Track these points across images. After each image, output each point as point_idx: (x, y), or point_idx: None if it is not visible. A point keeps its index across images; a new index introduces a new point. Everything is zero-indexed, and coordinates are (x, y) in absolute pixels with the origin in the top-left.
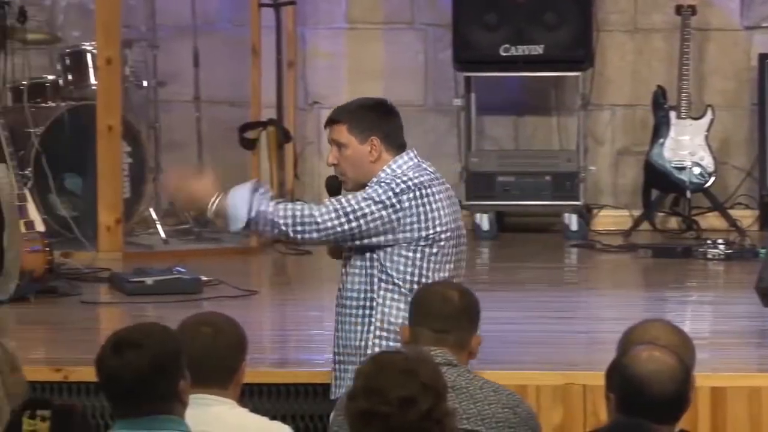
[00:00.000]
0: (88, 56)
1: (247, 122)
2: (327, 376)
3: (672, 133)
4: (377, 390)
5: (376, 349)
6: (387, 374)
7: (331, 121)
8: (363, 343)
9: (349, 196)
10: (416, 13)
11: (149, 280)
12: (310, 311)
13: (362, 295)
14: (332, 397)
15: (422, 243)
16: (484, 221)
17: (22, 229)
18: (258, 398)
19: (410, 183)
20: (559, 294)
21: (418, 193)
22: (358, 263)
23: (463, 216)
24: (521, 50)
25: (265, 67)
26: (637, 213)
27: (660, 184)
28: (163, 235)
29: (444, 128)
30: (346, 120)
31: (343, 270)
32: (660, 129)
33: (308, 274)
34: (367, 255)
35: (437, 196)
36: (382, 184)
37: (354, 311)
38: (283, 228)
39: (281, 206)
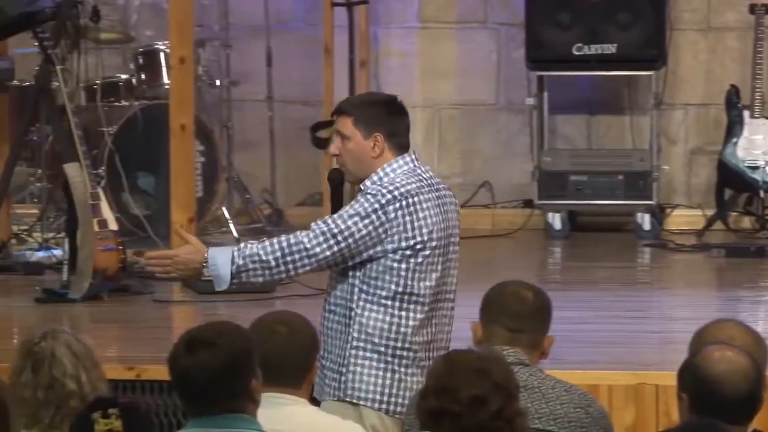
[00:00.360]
0: (161, 55)
1: (320, 121)
2: None
3: (745, 132)
4: (448, 389)
5: (352, 360)
6: (458, 373)
7: (338, 112)
8: (344, 353)
9: (335, 216)
10: (489, 12)
11: None
12: None
13: (345, 303)
14: (314, 395)
15: (408, 252)
16: (556, 220)
17: (95, 228)
18: None
19: (396, 192)
20: (632, 294)
21: (404, 203)
22: (342, 273)
23: (535, 215)
24: (594, 49)
25: (337, 67)
26: (710, 212)
27: (733, 184)
28: (235, 233)
29: (516, 127)
30: (353, 113)
31: (330, 276)
32: (733, 128)
33: None
34: (350, 265)
35: (425, 204)
36: (368, 196)
37: (339, 319)
38: (273, 263)
39: (266, 242)
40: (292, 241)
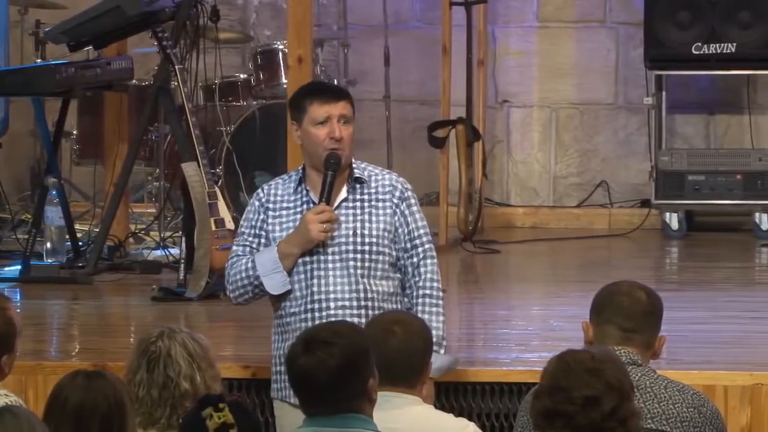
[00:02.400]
0: (280, 55)
1: (437, 121)
2: (513, 375)
3: None
4: (562, 389)
5: None
6: (572, 373)
7: (345, 96)
8: None
9: (424, 226)
10: (608, 11)
11: None
12: (499, 310)
13: (393, 300)
14: None
15: None
16: (673, 220)
17: (212, 227)
18: (445, 397)
19: None
20: (750, 294)
21: None
22: (392, 272)
23: (652, 215)
24: (713, 48)
25: (455, 66)
26: None
27: None
28: None
29: (634, 127)
30: (350, 98)
31: (373, 273)
32: None
33: (496, 272)
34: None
35: None
36: (412, 192)
37: None
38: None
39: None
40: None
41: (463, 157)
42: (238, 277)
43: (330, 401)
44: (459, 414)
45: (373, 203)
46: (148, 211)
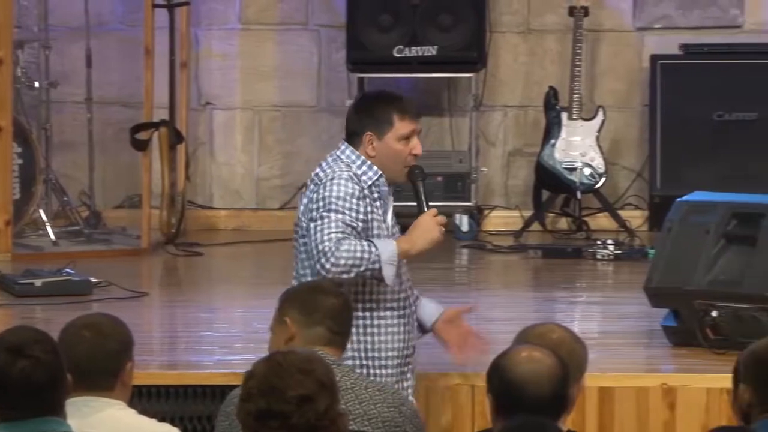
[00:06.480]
0: None
1: (139, 123)
2: (216, 377)
3: (563, 134)
4: (275, 389)
5: None
6: (285, 373)
7: (419, 114)
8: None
9: None
10: (310, 14)
11: (38, 282)
12: (201, 313)
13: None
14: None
15: None
16: None
17: None
18: (147, 400)
19: None
20: (450, 295)
21: None
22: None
23: None
24: (415, 51)
25: (157, 68)
26: (527, 214)
27: (550, 185)
28: (52, 236)
29: (336, 129)
30: None
31: (402, 270)
32: (551, 130)
33: (199, 275)
34: None
35: None
36: None
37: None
38: None
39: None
40: None
41: (165, 159)
42: (353, 254)
43: (29, 406)
44: (162, 419)
45: None
46: None
